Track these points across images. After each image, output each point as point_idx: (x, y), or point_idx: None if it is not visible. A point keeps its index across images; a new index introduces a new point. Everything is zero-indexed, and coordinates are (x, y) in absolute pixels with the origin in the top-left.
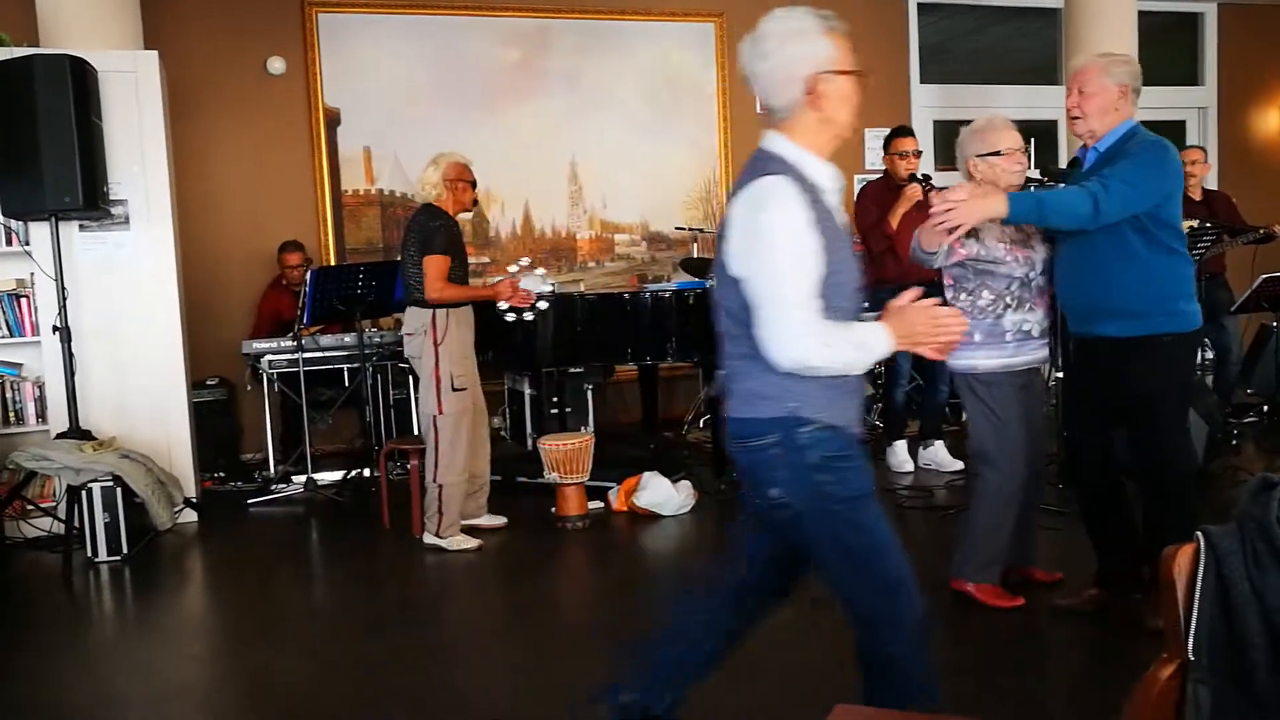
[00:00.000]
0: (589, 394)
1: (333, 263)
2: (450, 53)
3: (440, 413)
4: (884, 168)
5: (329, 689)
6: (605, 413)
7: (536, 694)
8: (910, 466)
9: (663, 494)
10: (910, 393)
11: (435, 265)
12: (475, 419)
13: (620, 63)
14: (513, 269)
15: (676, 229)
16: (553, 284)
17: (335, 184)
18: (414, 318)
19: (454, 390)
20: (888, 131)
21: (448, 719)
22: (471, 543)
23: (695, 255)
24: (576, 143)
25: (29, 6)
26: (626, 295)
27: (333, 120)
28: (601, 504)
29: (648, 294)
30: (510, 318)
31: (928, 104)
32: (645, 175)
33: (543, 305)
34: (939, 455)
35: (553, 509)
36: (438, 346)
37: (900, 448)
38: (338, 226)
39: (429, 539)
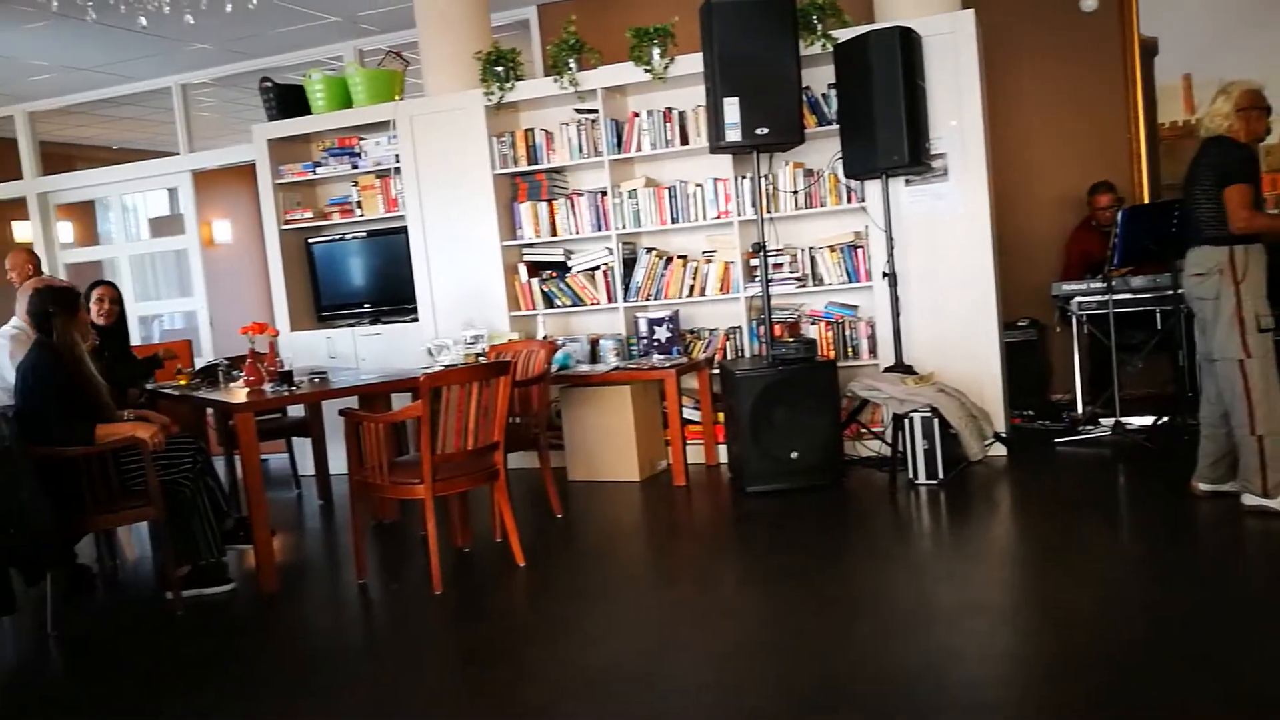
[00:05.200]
0: None
1: (1145, 201)
2: None
3: (1248, 356)
4: None
5: (1116, 629)
6: None
7: None
8: None
9: None
10: None
11: (1240, 194)
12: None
13: None
14: None
15: None
16: None
17: (1150, 117)
18: (1205, 257)
19: (1260, 331)
20: None
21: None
22: None
23: None
24: None
25: None
26: None
27: (1149, 50)
28: None
29: None
30: None
31: None
32: None
33: None
34: None
35: None
36: (1238, 285)
37: None
38: (1152, 162)
39: (1251, 501)
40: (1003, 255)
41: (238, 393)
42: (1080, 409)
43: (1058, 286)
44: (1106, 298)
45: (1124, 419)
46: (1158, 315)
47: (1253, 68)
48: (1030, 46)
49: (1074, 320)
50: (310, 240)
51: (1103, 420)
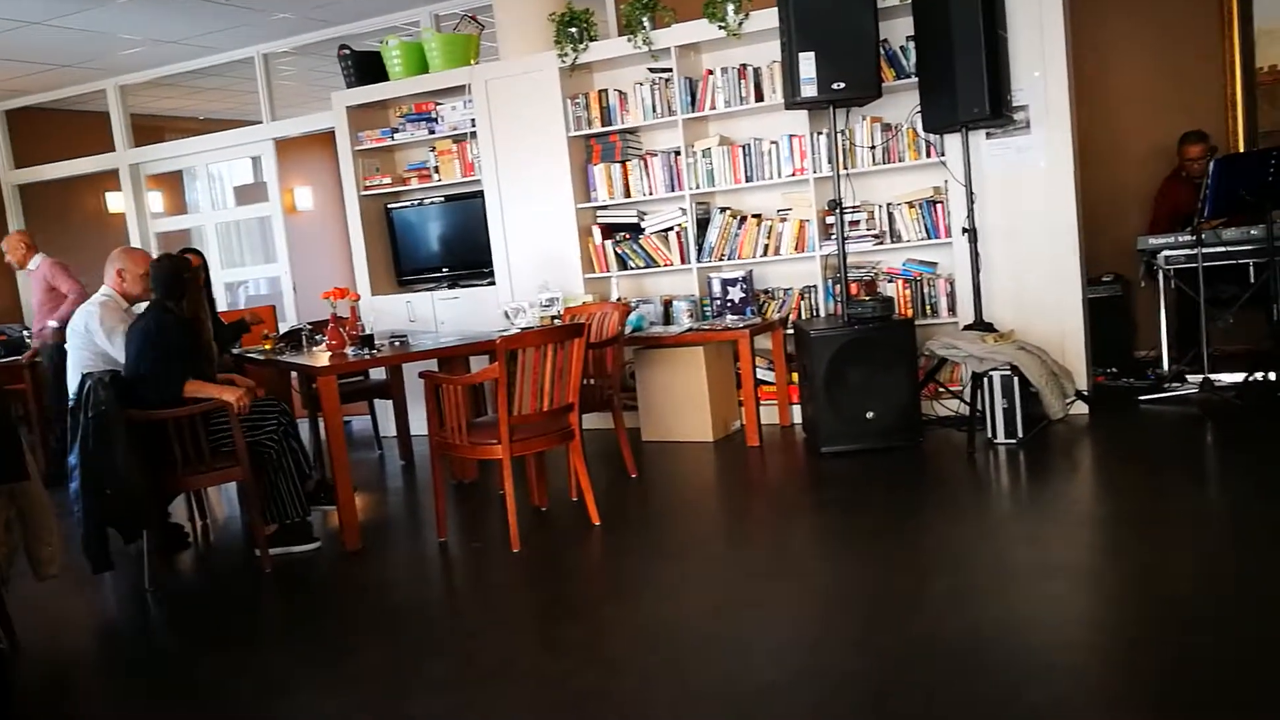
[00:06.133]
0: None
1: (1241, 149)
2: None
3: None
4: None
5: (1201, 594)
6: None
7: None
8: None
9: None
10: None
11: None
12: None
13: None
14: None
15: None
16: None
17: (1248, 62)
18: None
19: None
20: None
21: None
22: None
23: None
24: None
25: None
26: None
27: None
28: None
29: None
30: None
31: None
32: None
33: None
34: None
35: None
36: None
37: None
38: (1249, 109)
39: None
40: (1087, 208)
41: (320, 356)
42: (1166, 366)
43: (1143, 240)
44: (1195, 251)
45: (1212, 376)
46: (1251, 269)
47: None
48: None
49: (1160, 275)
50: (390, 206)
51: (1190, 377)
